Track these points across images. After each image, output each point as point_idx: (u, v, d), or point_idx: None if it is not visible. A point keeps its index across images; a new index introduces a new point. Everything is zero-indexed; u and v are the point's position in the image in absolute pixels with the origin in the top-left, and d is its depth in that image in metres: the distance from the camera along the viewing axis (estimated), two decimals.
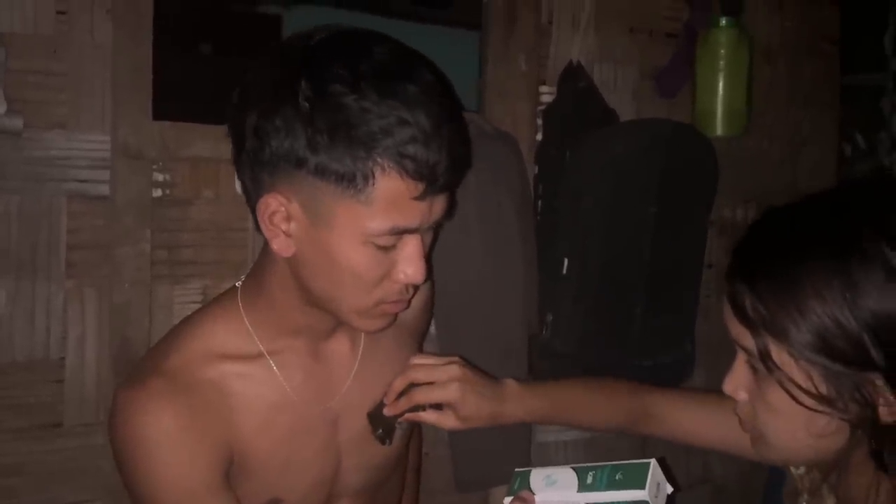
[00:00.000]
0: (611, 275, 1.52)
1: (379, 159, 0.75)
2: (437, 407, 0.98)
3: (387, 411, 0.97)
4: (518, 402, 1.03)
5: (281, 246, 0.82)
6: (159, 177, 1.31)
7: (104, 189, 1.28)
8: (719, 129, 1.68)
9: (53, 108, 1.24)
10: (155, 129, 1.29)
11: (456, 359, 1.00)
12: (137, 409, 0.84)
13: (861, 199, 0.75)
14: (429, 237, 0.86)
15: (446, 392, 0.97)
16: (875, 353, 0.69)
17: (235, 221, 1.37)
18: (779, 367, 0.73)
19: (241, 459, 0.89)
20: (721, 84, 1.66)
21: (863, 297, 0.69)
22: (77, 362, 1.28)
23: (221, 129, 1.32)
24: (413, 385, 0.97)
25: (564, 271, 1.51)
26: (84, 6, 1.25)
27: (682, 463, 1.82)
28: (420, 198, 0.77)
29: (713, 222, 1.68)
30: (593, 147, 1.52)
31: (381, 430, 0.97)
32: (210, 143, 1.33)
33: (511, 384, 1.04)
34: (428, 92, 0.78)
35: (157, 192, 1.31)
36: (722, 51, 1.66)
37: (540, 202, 1.58)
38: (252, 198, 0.84)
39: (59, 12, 1.24)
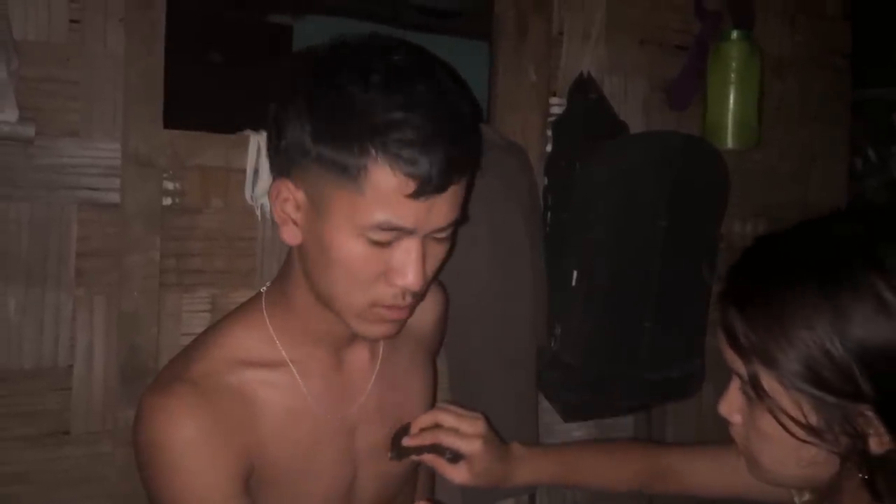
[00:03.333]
0: (620, 287, 1.51)
1: (373, 151, 0.75)
2: (452, 459, 0.99)
3: (407, 441, 0.97)
4: (527, 465, 1.05)
5: (289, 234, 0.85)
6: (169, 185, 1.31)
7: (114, 197, 1.28)
8: (730, 143, 1.67)
9: (65, 115, 1.25)
10: (165, 137, 1.30)
11: (480, 416, 1.02)
12: (161, 415, 0.84)
13: (852, 228, 0.74)
14: (438, 249, 0.85)
15: (469, 444, 0.98)
16: (864, 384, 0.68)
17: (244, 230, 1.37)
18: (769, 395, 0.73)
19: (261, 467, 0.88)
20: (732, 97, 1.66)
21: (851, 327, 0.68)
22: (85, 370, 1.28)
23: (231, 138, 1.34)
24: (438, 426, 0.99)
25: (573, 283, 1.51)
26: (97, 15, 1.26)
27: None
28: (413, 196, 0.77)
29: (723, 236, 1.67)
30: (603, 159, 1.52)
31: (396, 453, 0.97)
32: (220, 151, 1.34)
33: (517, 448, 1.05)
34: (436, 93, 0.79)
35: (167, 201, 1.31)
36: (733, 64, 1.65)
37: (549, 214, 1.57)
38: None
39: (72, 21, 1.24)
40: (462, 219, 0.86)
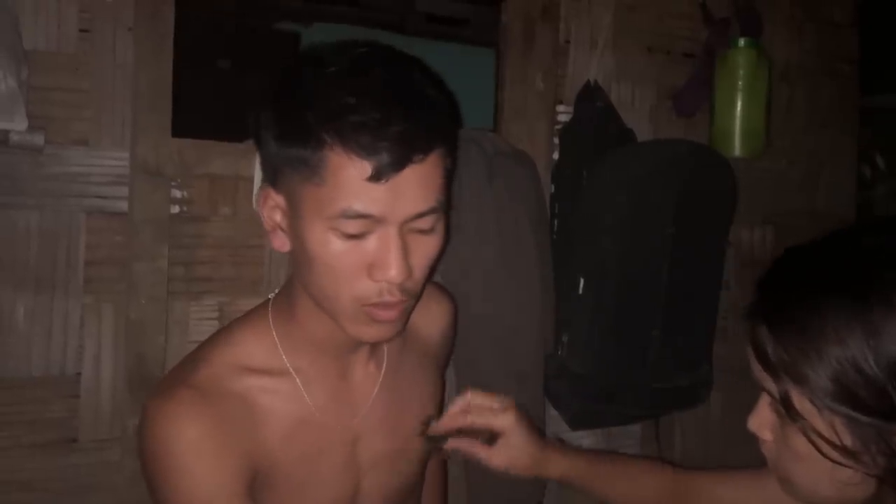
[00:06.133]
0: (627, 295, 1.51)
1: (328, 139, 0.75)
2: (488, 441, 0.99)
3: (441, 423, 0.97)
4: (561, 458, 1.04)
5: (278, 241, 0.85)
6: (177, 193, 1.32)
7: (122, 205, 1.28)
8: (737, 150, 1.67)
9: (74, 124, 1.25)
10: (174, 146, 1.30)
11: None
12: (165, 419, 0.84)
13: (885, 239, 0.72)
14: (424, 242, 0.82)
15: (503, 418, 0.99)
16: None
17: (252, 238, 1.37)
18: (801, 415, 0.71)
19: (263, 473, 0.88)
20: (739, 105, 1.66)
21: (885, 344, 0.66)
22: (92, 378, 1.28)
23: (239, 147, 1.35)
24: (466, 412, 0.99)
25: (581, 291, 1.50)
26: (106, 24, 1.27)
27: None
28: (373, 179, 0.75)
29: (731, 244, 1.67)
30: (610, 167, 1.52)
31: (428, 443, 0.98)
32: (228, 160, 1.34)
33: (553, 440, 1.06)
34: (391, 77, 0.79)
35: (175, 209, 1.32)
36: (741, 71, 1.65)
37: (556, 222, 1.57)
38: None
39: (81, 30, 1.25)
40: (444, 208, 0.83)
